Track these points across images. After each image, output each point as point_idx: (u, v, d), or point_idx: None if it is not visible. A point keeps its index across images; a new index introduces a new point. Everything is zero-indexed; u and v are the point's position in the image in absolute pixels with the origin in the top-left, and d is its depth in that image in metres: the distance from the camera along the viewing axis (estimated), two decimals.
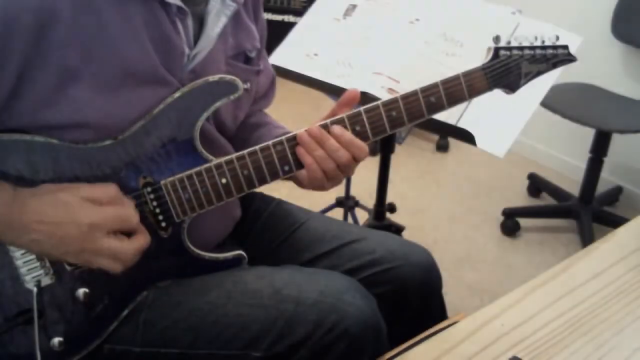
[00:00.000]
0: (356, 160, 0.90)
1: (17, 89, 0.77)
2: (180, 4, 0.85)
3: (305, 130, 0.88)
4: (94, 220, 0.79)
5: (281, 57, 1.49)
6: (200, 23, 0.91)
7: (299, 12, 2.03)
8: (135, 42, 0.81)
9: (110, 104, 0.80)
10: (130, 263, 0.83)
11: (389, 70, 1.36)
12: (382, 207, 1.98)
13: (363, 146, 0.89)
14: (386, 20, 1.47)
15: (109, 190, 0.82)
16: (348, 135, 0.88)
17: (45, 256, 0.83)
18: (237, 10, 0.95)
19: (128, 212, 0.82)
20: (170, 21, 0.85)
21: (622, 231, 1.13)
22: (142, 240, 0.84)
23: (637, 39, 2.38)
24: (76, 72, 0.78)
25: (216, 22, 0.92)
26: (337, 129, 0.88)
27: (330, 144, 0.87)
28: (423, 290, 1.07)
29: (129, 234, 0.83)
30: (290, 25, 1.56)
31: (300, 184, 0.97)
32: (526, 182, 2.76)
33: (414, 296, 1.06)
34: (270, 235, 1.12)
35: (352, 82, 1.37)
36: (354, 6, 1.53)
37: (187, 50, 0.89)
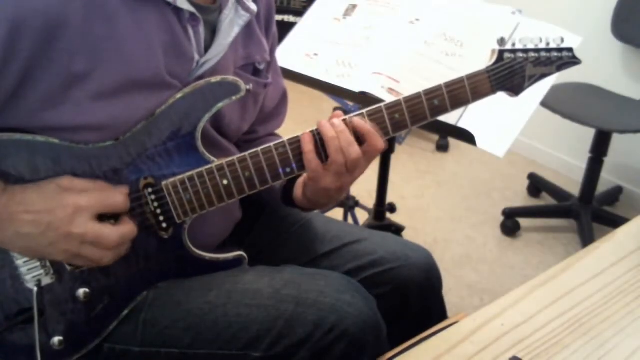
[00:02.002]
0: (368, 156, 0.89)
1: (20, 89, 0.77)
2: (193, 10, 0.85)
3: (329, 121, 0.88)
4: (79, 202, 0.79)
5: (281, 57, 1.49)
6: (212, 31, 0.91)
7: (299, 12, 2.03)
8: (145, 48, 0.81)
9: (114, 107, 0.80)
10: (116, 252, 0.83)
11: (389, 70, 1.36)
12: (382, 207, 1.99)
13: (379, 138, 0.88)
14: (386, 20, 1.47)
15: (93, 181, 0.83)
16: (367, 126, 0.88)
17: (30, 253, 0.82)
18: (249, 21, 0.95)
19: (112, 194, 0.83)
20: (182, 27, 0.85)
21: (622, 231, 1.14)
22: (126, 227, 0.83)
23: (637, 39, 2.38)
24: (82, 77, 0.77)
25: (229, 31, 0.92)
26: (357, 120, 0.88)
27: (346, 136, 0.87)
28: (423, 291, 1.07)
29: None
30: (290, 25, 1.56)
31: (303, 200, 0.99)
32: (526, 182, 2.76)
33: (414, 297, 1.06)
34: (270, 235, 1.13)
35: (352, 82, 1.37)
36: (354, 6, 1.53)
37: (197, 57, 0.89)
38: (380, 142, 0.88)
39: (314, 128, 0.89)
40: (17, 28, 0.73)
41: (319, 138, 0.88)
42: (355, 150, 0.87)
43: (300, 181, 1.02)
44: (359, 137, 0.88)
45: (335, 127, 0.87)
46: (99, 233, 0.80)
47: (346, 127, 0.87)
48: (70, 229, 0.79)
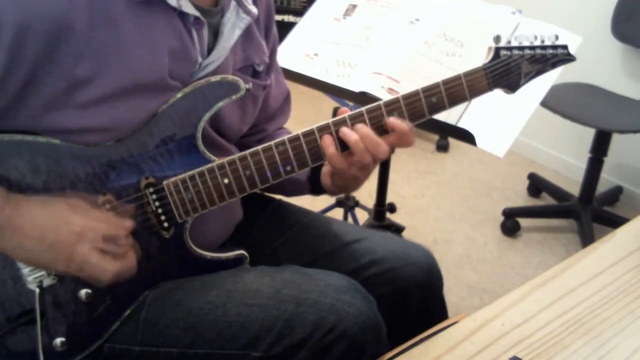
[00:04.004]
0: (394, 146, 0.91)
1: (24, 92, 0.77)
2: (197, 14, 0.86)
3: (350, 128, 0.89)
4: (85, 225, 0.79)
5: (281, 57, 1.49)
6: (214, 34, 0.92)
7: (299, 12, 2.03)
8: (150, 53, 0.82)
9: (117, 110, 0.81)
10: (107, 284, 0.83)
11: (389, 70, 1.36)
12: (382, 207, 1.99)
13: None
14: (386, 20, 1.47)
15: (102, 210, 0.84)
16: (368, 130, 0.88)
17: (30, 264, 0.83)
18: (249, 23, 0.96)
19: (119, 226, 0.83)
20: (187, 31, 0.86)
21: (622, 231, 1.14)
22: (126, 264, 0.84)
23: (637, 39, 2.38)
24: (85, 81, 0.78)
25: (231, 34, 0.93)
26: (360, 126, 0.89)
27: (372, 139, 0.88)
28: (424, 290, 1.07)
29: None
30: (290, 25, 1.56)
31: (333, 188, 1.01)
32: (526, 182, 2.76)
33: (415, 296, 1.06)
34: (270, 235, 1.13)
35: (352, 82, 1.37)
36: (354, 6, 1.53)
37: (200, 60, 0.89)
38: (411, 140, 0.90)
39: (319, 126, 0.89)
40: (22, 33, 0.73)
41: (336, 136, 0.89)
42: (383, 149, 0.88)
43: (325, 171, 1.03)
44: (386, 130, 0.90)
45: (358, 130, 0.88)
46: (97, 265, 0.80)
47: (368, 129, 0.88)
48: (72, 252, 0.79)
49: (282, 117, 1.17)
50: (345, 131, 0.88)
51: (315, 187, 1.07)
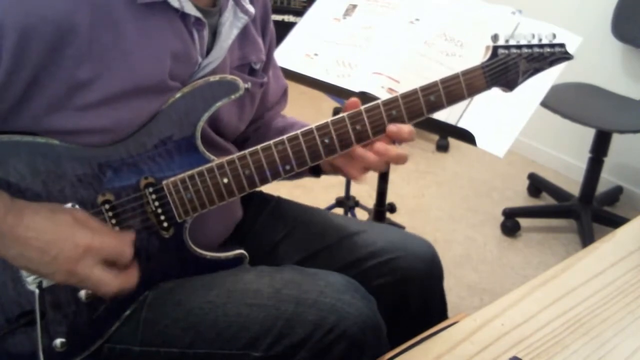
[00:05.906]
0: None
1: (26, 94, 0.77)
2: (199, 15, 0.86)
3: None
4: (91, 243, 0.79)
5: (281, 57, 1.49)
6: (212, 34, 0.92)
7: (299, 12, 2.03)
8: (152, 56, 0.82)
9: (118, 112, 0.81)
10: (109, 296, 0.83)
11: (389, 70, 1.36)
12: (382, 207, 1.99)
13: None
14: (386, 20, 1.47)
15: (105, 225, 0.84)
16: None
17: (29, 272, 0.82)
18: (247, 22, 0.96)
19: (122, 244, 0.83)
20: (188, 32, 0.86)
21: (622, 231, 1.14)
22: (127, 279, 0.84)
23: (637, 39, 2.39)
24: (87, 83, 0.78)
25: (229, 33, 0.93)
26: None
27: (384, 150, 0.95)
28: (424, 280, 1.07)
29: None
30: (290, 25, 1.56)
31: (334, 173, 1.02)
32: (526, 182, 2.76)
33: (415, 287, 1.06)
34: (270, 232, 1.13)
35: (352, 82, 1.37)
36: (354, 6, 1.53)
37: (200, 60, 0.89)
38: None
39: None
40: (26, 36, 0.73)
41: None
42: (394, 152, 0.93)
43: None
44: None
45: (378, 152, 0.93)
46: (100, 280, 0.80)
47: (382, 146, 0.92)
48: (74, 267, 0.78)
49: (279, 107, 1.19)
50: (361, 153, 0.91)
51: (314, 170, 1.06)
